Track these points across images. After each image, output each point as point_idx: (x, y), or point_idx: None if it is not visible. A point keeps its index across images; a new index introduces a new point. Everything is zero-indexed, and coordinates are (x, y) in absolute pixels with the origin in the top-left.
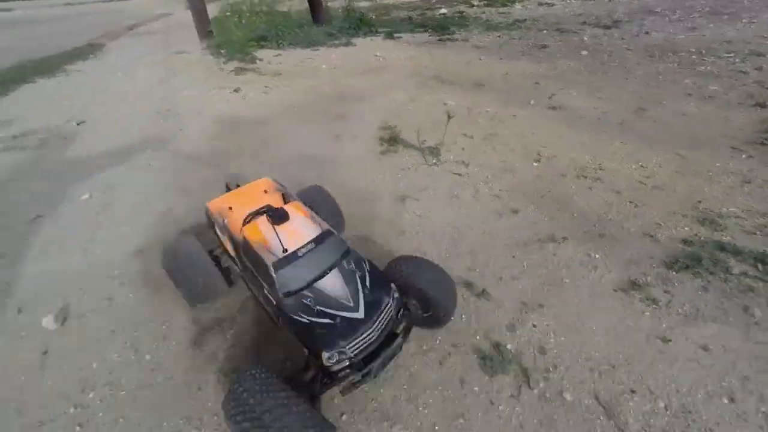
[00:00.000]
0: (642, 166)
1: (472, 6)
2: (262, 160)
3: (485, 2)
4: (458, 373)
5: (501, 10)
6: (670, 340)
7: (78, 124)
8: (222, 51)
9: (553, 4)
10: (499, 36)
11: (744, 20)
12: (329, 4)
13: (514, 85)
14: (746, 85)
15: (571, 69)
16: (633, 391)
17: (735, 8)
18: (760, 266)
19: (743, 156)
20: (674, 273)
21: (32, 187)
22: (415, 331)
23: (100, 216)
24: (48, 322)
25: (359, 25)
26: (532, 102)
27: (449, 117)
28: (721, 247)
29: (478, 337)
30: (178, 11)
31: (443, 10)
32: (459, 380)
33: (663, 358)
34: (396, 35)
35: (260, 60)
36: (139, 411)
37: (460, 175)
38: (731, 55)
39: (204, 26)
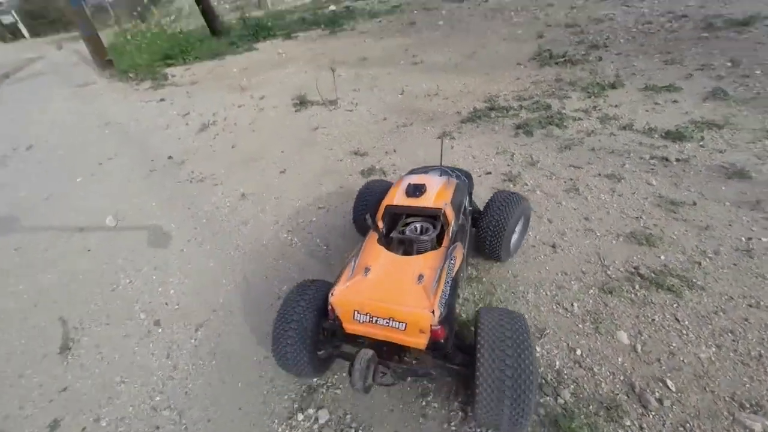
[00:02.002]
0: (464, 84)
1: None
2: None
3: None
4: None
5: None
6: (453, 147)
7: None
8: (131, 75)
9: None
10: (379, 21)
11: None
12: (225, 17)
13: (390, 54)
14: (537, 26)
15: (431, 36)
16: None
17: None
18: (503, 112)
19: (522, 67)
20: (464, 124)
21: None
22: None
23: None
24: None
25: (258, 31)
26: (401, 62)
27: (334, 73)
28: (491, 108)
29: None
30: (50, 53)
31: (332, 7)
32: None
33: (452, 152)
34: (293, 35)
35: (173, 76)
36: None
37: (351, 111)
38: (535, 8)
39: (101, 55)
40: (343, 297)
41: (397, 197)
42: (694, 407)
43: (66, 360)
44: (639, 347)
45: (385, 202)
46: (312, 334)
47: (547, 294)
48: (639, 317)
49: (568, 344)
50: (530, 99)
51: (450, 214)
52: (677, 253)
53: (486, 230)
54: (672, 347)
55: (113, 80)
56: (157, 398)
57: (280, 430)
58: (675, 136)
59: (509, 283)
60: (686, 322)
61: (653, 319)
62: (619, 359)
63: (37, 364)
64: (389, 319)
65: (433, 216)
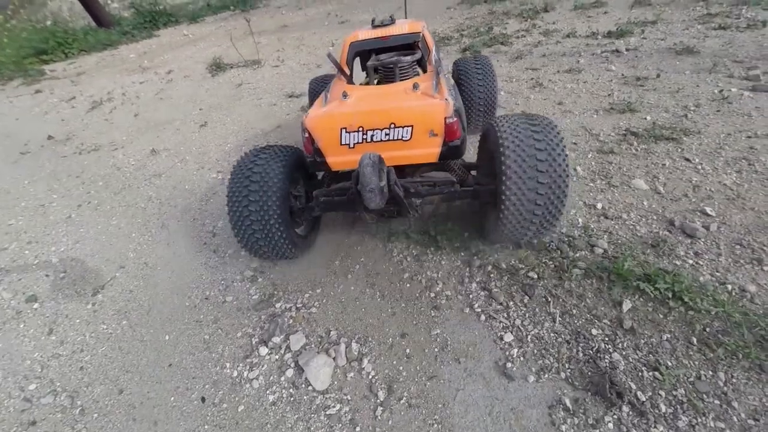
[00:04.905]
0: None
1: None
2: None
3: None
4: None
5: None
6: None
7: None
8: None
9: None
10: None
11: None
12: (117, 15)
13: (312, 20)
14: None
15: (354, 1)
16: None
17: None
18: (445, 42)
19: (452, 10)
20: None
21: None
22: None
23: None
24: None
25: (155, 18)
26: (326, 24)
27: (249, 23)
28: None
29: (303, 104)
30: None
31: None
32: None
33: None
34: (198, 19)
35: (52, 71)
36: None
37: (278, 66)
38: None
39: None
40: (324, 117)
41: (361, 33)
42: (741, 225)
43: None
44: (661, 188)
45: (348, 40)
46: (281, 193)
47: None
48: (648, 165)
49: (584, 202)
50: (469, 29)
51: (429, 38)
52: (661, 112)
53: (476, 92)
54: (694, 182)
55: None
56: (32, 386)
57: (236, 373)
58: (617, 34)
59: None
60: (697, 160)
61: (664, 164)
62: (645, 203)
63: None
64: (389, 128)
65: (409, 45)
